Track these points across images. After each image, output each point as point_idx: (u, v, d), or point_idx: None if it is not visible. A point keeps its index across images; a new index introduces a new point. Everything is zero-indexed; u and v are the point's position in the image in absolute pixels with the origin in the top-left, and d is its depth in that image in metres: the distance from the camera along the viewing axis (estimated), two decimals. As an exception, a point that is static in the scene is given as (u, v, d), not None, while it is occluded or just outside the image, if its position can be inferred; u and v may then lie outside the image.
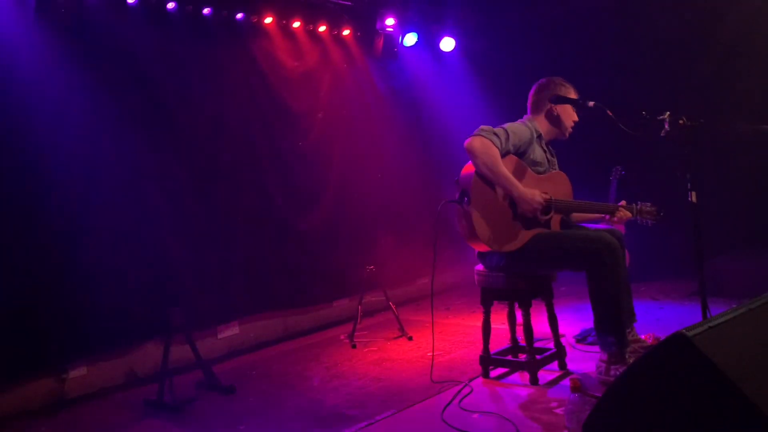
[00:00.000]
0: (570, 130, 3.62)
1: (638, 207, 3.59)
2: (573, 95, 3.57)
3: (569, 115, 3.59)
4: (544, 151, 3.58)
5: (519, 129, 3.45)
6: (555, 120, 3.58)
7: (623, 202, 3.58)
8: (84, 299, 3.85)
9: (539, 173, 3.48)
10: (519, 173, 3.37)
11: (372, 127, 5.77)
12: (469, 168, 3.35)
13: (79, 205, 3.89)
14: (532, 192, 3.27)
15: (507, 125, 3.42)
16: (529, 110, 3.66)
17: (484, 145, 3.24)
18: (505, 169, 3.26)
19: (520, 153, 3.44)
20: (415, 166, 5.94)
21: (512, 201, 3.31)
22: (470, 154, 3.29)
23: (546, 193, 3.36)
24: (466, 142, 3.30)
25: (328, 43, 5.51)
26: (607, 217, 3.57)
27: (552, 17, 6.04)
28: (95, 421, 3.49)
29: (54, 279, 3.77)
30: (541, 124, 3.58)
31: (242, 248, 4.71)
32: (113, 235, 4.02)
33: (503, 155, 3.31)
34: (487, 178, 3.28)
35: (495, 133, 3.30)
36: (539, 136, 3.55)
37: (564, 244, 3.31)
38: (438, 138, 6.12)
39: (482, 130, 3.30)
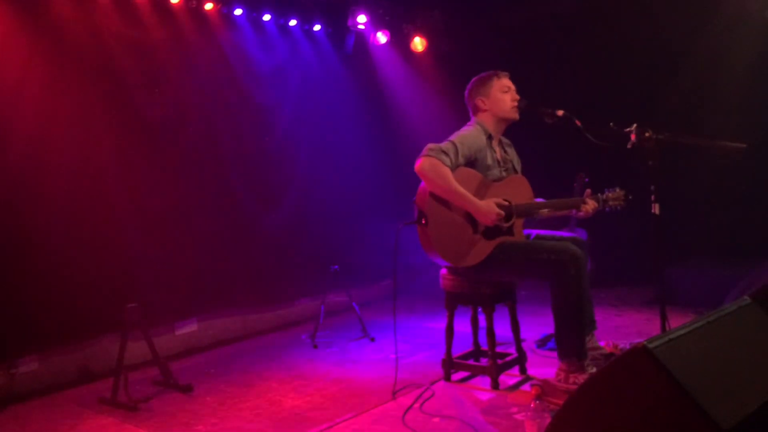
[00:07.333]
0: (514, 109, 3.49)
1: (604, 196, 3.54)
2: (496, 83, 3.49)
3: (499, 99, 3.48)
4: (496, 151, 3.52)
5: (470, 137, 3.39)
6: (492, 111, 3.50)
7: (588, 191, 3.54)
8: (37, 292, 3.74)
9: (495, 178, 3.44)
10: (474, 185, 3.32)
11: (340, 124, 5.74)
12: (424, 188, 3.30)
13: (33, 196, 3.77)
14: (488, 204, 3.25)
15: (456, 137, 3.36)
16: (471, 114, 3.61)
17: (434, 165, 3.20)
18: (458, 186, 3.22)
19: (473, 161, 3.39)
20: (382, 165, 5.92)
21: (470, 215, 3.29)
22: (421, 177, 3.26)
23: (505, 199, 3.37)
24: (416, 166, 3.26)
25: (299, 37, 5.46)
26: (574, 211, 3.54)
27: (520, 21, 6.09)
28: (46, 419, 3.38)
29: (4, 269, 3.64)
30: (487, 122, 3.52)
31: (202, 244, 4.61)
32: (68, 227, 3.90)
33: (454, 169, 3.27)
34: (442, 198, 3.25)
35: (443, 151, 3.24)
36: (489, 137, 3.49)
37: (529, 254, 3.30)
38: (405, 137, 6.11)
39: (430, 149, 3.25)
